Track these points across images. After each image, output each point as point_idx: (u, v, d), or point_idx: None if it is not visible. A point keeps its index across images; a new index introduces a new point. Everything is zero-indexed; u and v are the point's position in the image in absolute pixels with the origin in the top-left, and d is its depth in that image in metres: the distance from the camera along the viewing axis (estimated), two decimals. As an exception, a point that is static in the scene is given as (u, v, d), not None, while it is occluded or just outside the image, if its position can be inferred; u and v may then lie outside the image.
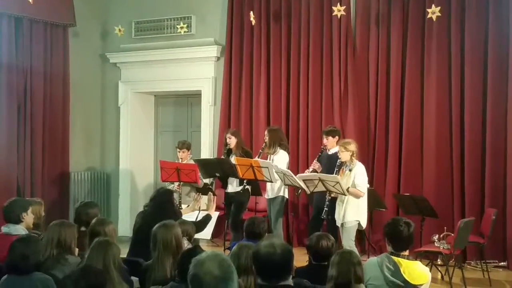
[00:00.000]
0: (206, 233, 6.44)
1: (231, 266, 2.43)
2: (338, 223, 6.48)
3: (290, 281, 3.02)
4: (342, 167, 6.54)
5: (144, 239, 4.61)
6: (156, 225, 4.20)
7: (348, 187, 6.32)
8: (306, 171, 7.21)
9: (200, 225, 5.75)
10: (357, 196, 6.37)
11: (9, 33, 8.47)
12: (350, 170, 6.43)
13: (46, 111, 8.99)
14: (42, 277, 3.69)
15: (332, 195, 6.53)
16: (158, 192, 5.65)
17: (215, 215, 6.31)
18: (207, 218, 5.89)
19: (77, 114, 9.60)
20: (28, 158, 8.75)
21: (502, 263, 7.38)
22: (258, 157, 7.33)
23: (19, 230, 4.68)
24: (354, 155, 6.46)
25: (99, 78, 10.18)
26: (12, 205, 4.87)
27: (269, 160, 7.25)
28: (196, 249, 3.62)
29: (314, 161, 7.19)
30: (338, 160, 6.62)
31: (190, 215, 6.01)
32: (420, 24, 7.89)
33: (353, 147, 6.46)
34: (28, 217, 4.86)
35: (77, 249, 4.35)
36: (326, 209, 6.60)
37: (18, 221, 4.77)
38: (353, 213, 6.39)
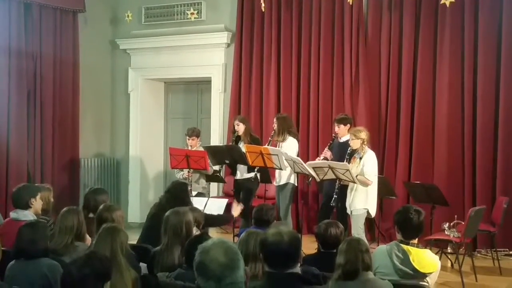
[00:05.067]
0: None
1: (237, 254, 2.40)
2: (349, 211, 6.45)
3: (297, 269, 3.01)
4: (353, 155, 6.49)
5: (156, 226, 4.62)
6: (169, 211, 4.22)
7: (357, 175, 6.28)
8: (317, 159, 7.18)
9: (215, 220, 5.78)
10: (365, 184, 6.32)
11: (18, 19, 8.46)
12: (360, 158, 6.39)
13: (56, 97, 9.00)
14: (49, 263, 3.70)
15: (342, 182, 6.49)
16: (173, 184, 5.65)
17: (223, 202, 6.30)
18: (223, 220, 5.90)
19: (87, 100, 9.59)
20: (38, 144, 8.77)
21: (513, 252, 7.35)
22: (268, 145, 7.30)
23: (28, 215, 4.68)
24: (365, 142, 6.42)
25: (109, 64, 10.16)
26: (20, 190, 4.88)
27: (279, 147, 7.22)
28: (203, 236, 3.61)
29: (326, 149, 7.15)
30: (349, 148, 6.57)
31: (198, 202, 6.00)
32: (433, 10, 7.80)
33: (363, 135, 6.42)
34: (37, 203, 4.86)
35: (89, 238, 4.35)
36: (336, 196, 6.57)
37: (26, 206, 4.78)
38: (361, 201, 6.35)
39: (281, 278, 2.93)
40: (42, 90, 8.79)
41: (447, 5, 7.46)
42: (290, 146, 7.26)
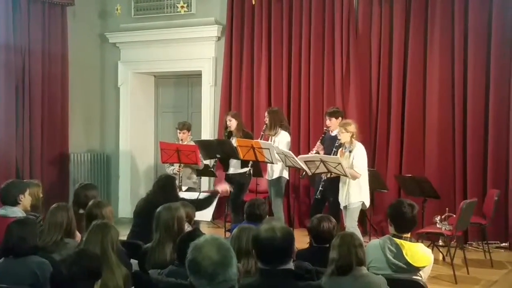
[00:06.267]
0: (207, 215, 6.41)
1: (230, 251, 2.37)
2: (342, 206, 6.43)
3: (290, 265, 2.97)
4: (341, 148, 6.47)
5: (146, 222, 4.58)
6: (161, 207, 4.17)
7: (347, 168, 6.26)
8: (309, 153, 7.15)
9: (203, 203, 5.77)
10: (354, 178, 6.30)
11: (6, 12, 8.37)
12: (350, 152, 6.36)
13: (45, 92, 8.91)
14: (39, 260, 3.65)
15: (329, 175, 6.47)
16: (160, 178, 5.64)
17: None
18: (212, 197, 5.89)
19: (76, 94, 9.52)
20: (27, 139, 8.69)
21: (504, 244, 7.38)
22: (260, 139, 7.26)
23: (16, 212, 4.64)
24: (354, 136, 6.39)
25: (98, 58, 10.08)
26: (9, 187, 4.83)
27: (271, 141, 7.19)
28: (195, 232, 3.57)
29: (318, 143, 7.12)
30: (337, 141, 6.55)
31: (190, 195, 5.98)
32: (424, 3, 7.80)
33: (353, 128, 6.38)
34: (26, 199, 4.81)
35: (79, 234, 4.31)
36: (321, 188, 6.55)
37: (15, 203, 4.73)
38: (356, 194, 6.34)
39: (275, 274, 2.90)
40: (30, 84, 8.71)
41: (438, -3, 7.46)
42: (282, 139, 7.24)
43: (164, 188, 5.43)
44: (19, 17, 8.54)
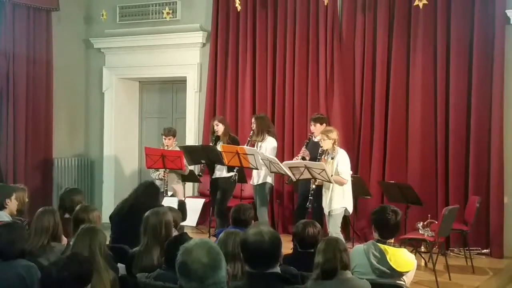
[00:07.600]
0: (191, 220, 6.44)
1: (219, 254, 2.41)
2: (326, 211, 6.47)
3: (277, 269, 3.01)
4: (323, 155, 6.52)
5: (128, 228, 4.59)
6: (149, 211, 4.18)
7: (332, 175, 6.31)
8: (295, 158, 7.19)
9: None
10: (340, 184, 6.36)
11: (-9, 17, 8.36)
12: (332, 158, 6.41)
13: (29, 97, 8.89)
14: (26, 264, 3.64)
15: (317, 183, 6.52)
16: (141, 185, 5.61)
17: (200, 202, 6.29)
18: (182, 206, 5.88)
19: (60, 100, 9.50)
20: (11, 144, 8.65)
21: (485, 250, 7.42)
22: (247, 145, 7.29)
23: (3, 216, 4.64)
24: (336, 143, 6.44)
25: (83, 63, 10.08)
26: (-5, 191, 4.82)
27: (258, 147, 7.23)
28: (183, 236, 3.60)
29: (303, 148, 7.15)
30: (320, 148, 6.60)
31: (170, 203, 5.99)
32: (407, 11, 7.87)
33: (335, 134, 6.44)
34: (12, 204, 4.82)
35: (65, 238, 4.32)
36: (311, 198, 6.58)
37: (1, 207, 4.73)
38: (339, 200, 6.39)
39: (262, 278, 2.93)
40: (15, 89, 8.69)
41: (420, 7, 7.54)
42: (270, 145, 7.28)
43: (144, 197, 5.39)
44: (4, 21, 8.53)
